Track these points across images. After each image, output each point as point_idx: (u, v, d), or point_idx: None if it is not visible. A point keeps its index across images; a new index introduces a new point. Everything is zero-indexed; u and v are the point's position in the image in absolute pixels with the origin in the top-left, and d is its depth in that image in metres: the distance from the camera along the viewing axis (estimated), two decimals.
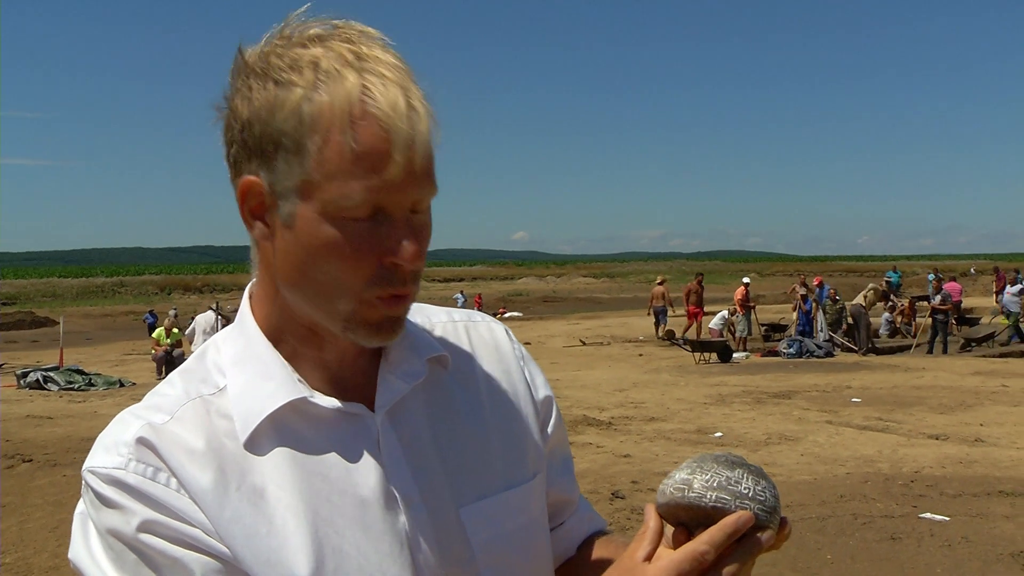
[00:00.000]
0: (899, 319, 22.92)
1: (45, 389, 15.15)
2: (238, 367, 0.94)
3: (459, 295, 38.90)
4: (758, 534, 0.86)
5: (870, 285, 21.95)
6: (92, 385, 15.55)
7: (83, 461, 0.91)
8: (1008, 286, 20.31)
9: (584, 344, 22.36)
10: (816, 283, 21.37)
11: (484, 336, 1.10)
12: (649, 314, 24.85)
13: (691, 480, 0.87)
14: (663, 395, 12.58)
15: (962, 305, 22.95)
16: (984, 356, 17.70)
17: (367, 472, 0.92)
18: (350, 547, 0.90)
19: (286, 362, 0.94)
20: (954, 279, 24.99)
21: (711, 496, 0.86)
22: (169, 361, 17.87)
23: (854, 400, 11.57)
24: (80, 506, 0.91)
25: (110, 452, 0.88)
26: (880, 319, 22.74)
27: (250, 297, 0.99)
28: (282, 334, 0.96)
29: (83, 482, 0.89)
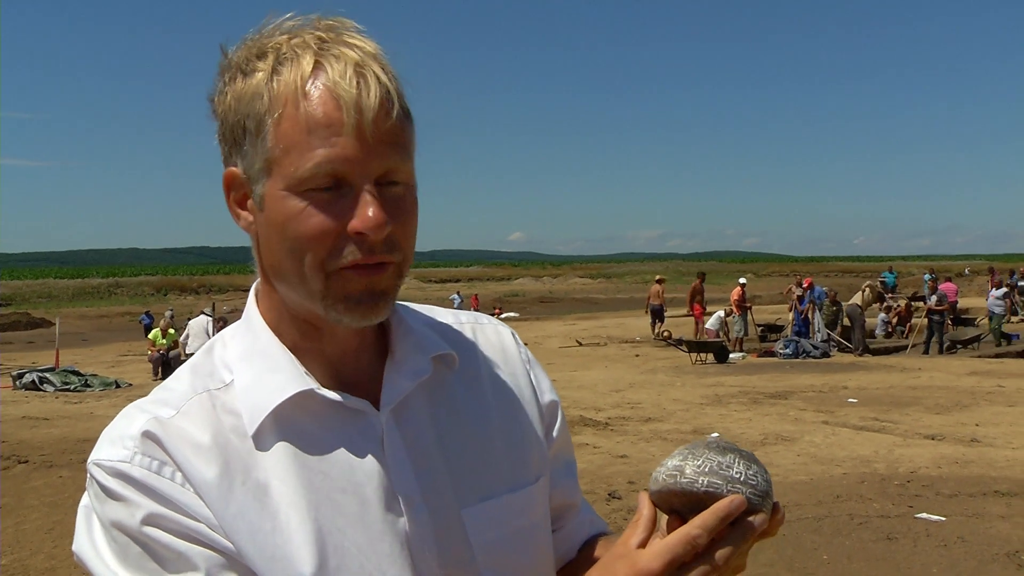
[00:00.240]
0: (895, 319, 22.95)
1: (41, 390, 15.12)
2: (246, 362, 0.95)
3: (456, 295, 38.92)
4: (750, 518, 0.86)
5: (866, 284, 21.97)
6: (88, 386, 15.52)
7: (79, 462, 0.91)
8: (993, 289, 20.33)
9: (581, 345, 22.36)
10: (806, 284, 21.30)
11: (490, 338, 1.10)
12: (647, 312, 24.85)
13: (683, 466, 0.88)
14: (660, 395, 12.59)
15: (958, 306, 22.97)
16: (980, 356, 17.73)
17: (370, 471, 0.92)
18: (351, 545, 0.90)
19: (293, 356, 0.94)
20: (950, 280, 25.01)
21: (703, 481, 0.86)
22: (165, 362, 17.85)
23: (850, 400, 11.58)
24: (84, 499, 0.91)
25: (115, 445, 0.89)
26: (876, 319, 22.77)
27: (256, 294, 1.00)
28: (283, 328, 0.96)
29: (88, 475, 0.89)
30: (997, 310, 19.83)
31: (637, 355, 19.60)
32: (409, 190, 0.91)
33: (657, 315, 24.09)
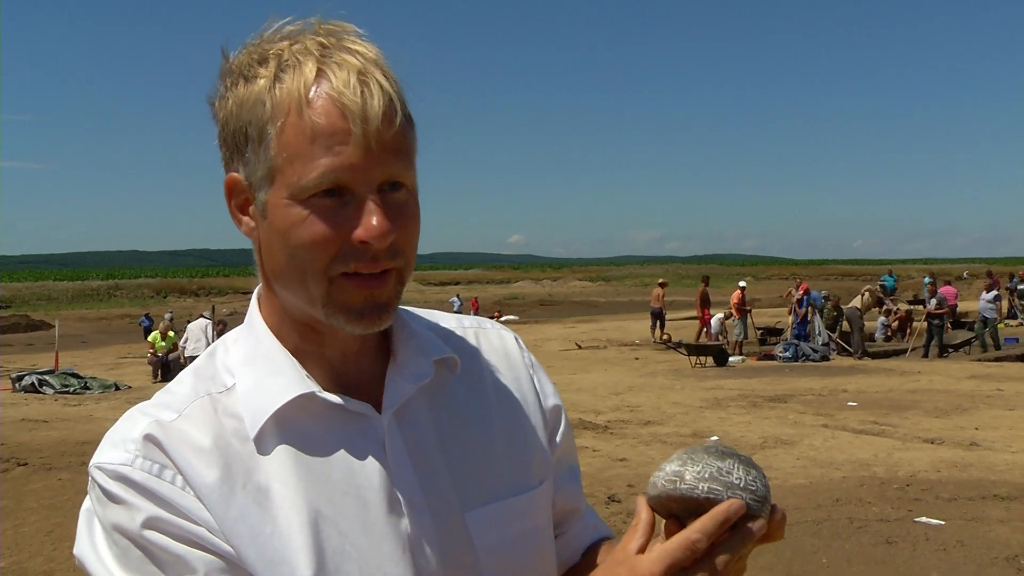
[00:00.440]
0: (895, 324, 22.96)
1: (40, 392, 15.12)
2: (248, 366, 0.95)
3: (455, 298, 38.96)
4: (749, 524, 0.86)
5: (865, 289, 21.98)
6: (87, 388, 15.53)
7: (79, 465, 0.91)
8: (984, 292, 20.32)
9: (580, 348, 22.38)
10: (802, 290, 21.26)
11: (494, 343, 1.10)
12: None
13: (682, 472, 0.87)
14: (659, 399, 12.59)
15: (957, 309, 23.00)
16: (979, 360, 17.74)
17: (371, 473, 0.92)
18: (352, 549, 0.90)
19: (296, 360, 0.94)
20: (949, 283, 25.03)
21: (703, 487, 0.86)
22: (165, 365, 17.86)
23: (850, 404, 11.59)
24: (86, 503, 0.91)
25: (117, 448, 0.89)
26: (876, 323, 22.79)
27: (258, 298, 1.00)
28: (284, 332, 0.96)
29: (89, 478, 0.90)
30: (989, 314, 19.78)
31: (636, 358, 19.61)
32: (411, 195, 0.91)
33: (657, 318, 24.11)
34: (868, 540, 5.68)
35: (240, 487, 0.88)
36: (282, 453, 0.90)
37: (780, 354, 18.27)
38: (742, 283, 22.83)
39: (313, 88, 0.85)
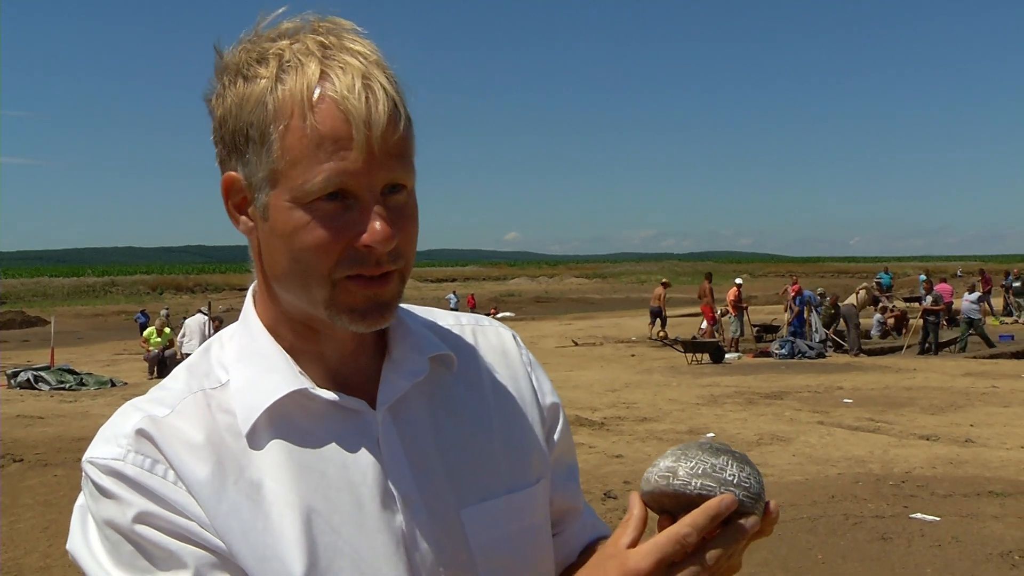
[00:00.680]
0: (891, 322, 22.98)
1: (36, 389, 15.10)
2: (242, 362, 0.95)
3: (452, 295, 38.94)
4: (742, 520, 0.86)
5: (861, 286, 22.00)
6: (83, 385, 15.51)
7: (74, 461, 0.91)
8: (967, 293, 20.28)
9: (576, 345, 22.38)
10: (794, 291, 21.24)
11: (491, 340, 1.09)
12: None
13: (676, 468, 0.87)
14: (655, 395, 12.60)
15: (953, 306, 23.02)
16: (974, 357, 17.76)
17: (365, 469, 0.92)
18: (345, 545, 0.89)
19: (290, 357, 0.94)
20: (944, 280, 25.05)
21: (696, 483, 0.86)
22: (161, 361, 17.83)
23: (845, 401, 11.61)
24: (80, 499, 0.91)
25: (109, 443, 0.89)
26: (871, 320, 22.81)
27: (253, 296, 1.00)
28: (280, 330, 0.96)
29: (83, 473, 0.90)
30: (973, 315, 19.73)
31: (633, 355, 19.62)
32: (411, 197, 0.91)
33: (656, 316, 24.19)
34: (864, 536, 5.70)
35: (232, 482, 0.88)
36: (275, 449, 0.90)
37: (776, 351, 18.28)
38: (738, 280, 22.80)
39: (316, 91, 0.85)
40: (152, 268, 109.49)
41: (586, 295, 60.74)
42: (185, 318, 18.43)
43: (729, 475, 0.86)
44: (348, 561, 0.89)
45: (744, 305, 21.54)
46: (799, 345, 18.30)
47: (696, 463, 0.87)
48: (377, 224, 0.86)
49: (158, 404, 0.92)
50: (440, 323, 1.08)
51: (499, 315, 36.35)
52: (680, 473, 0.86)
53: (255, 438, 0.90)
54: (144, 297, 58.00)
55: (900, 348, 20.04)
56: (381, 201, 0.87)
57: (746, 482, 0.86)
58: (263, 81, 0.86)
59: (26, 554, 5.60)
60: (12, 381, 15.60)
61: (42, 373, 15.70)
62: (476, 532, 0.96)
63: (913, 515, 6.10)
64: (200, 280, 69.83)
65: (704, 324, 22.49)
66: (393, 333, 0.99)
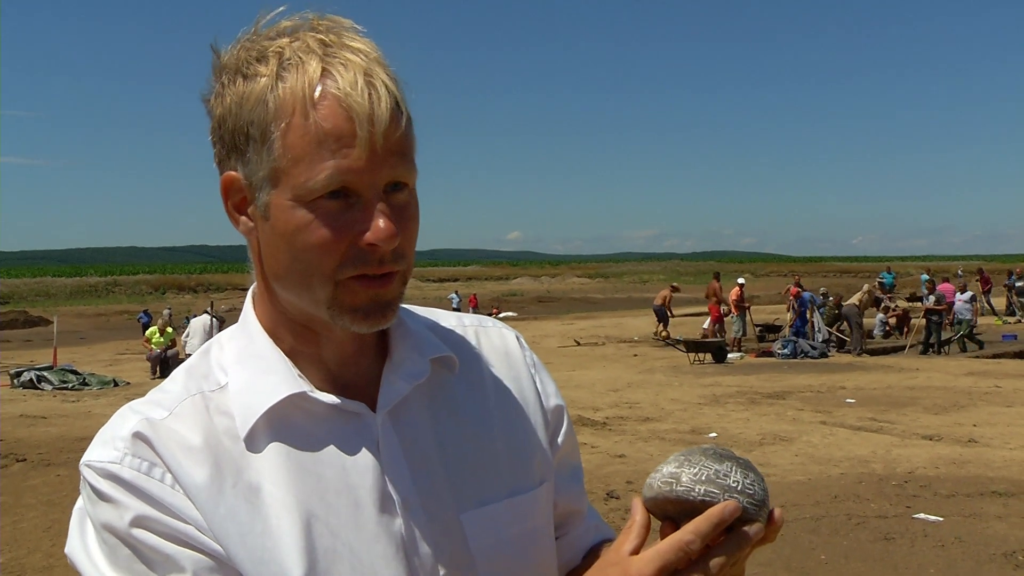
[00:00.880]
0: (893, 321, 22.96)
1: (39, 389, 15.12)
2: (240, 364, 0.94)
3: (454, 295, 38.94)
4: (746, 528, 0.84)
5: (864, 287, 21.97)
6: (86, 385, 15.52)
7: (77, 460, 0.91)
8: (959, 293, 20.21)
9: (579, 344, 22.37)
10: (792, 294, 21.19)
11: (494, 341, 1.08)
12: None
13: (679, 473, 0.86)
14: (658, 395, 12.59)
15: (955, 306, 22.98)
16: (977, 357, 17.74)
17: (364, 472, 0.91)
18: (344, 548, 0.89)
19: (288, 359, 0.94)
20: (947, 280, 25.01)
21: (700, 490, 0.84)
22: (164, 361, 17.84)
23: (848, 401, 11.59)
24: (79, 502, 0.91)
25: (107, 446, 0.88)
26: (874, 320, 22.79)
27: (252, 297, 0.99)
28: (280, 332, 0.95)
29: (81, 476, 0.89)
30: (966, 315, 19.65)
31: (635, 355, 19.61)
32: (412, 196, 0.91)
33: (659, 316, 24.25)
34: (866, 536, 5.69)
35: (230, 486, 0.87)
36: (274, 452, 0.90)
37: (779, 351, 18.26)
38: (741, 280, 22.77)
39: (318, 88, 0.84)
40: (154, 268, 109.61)
41: (588, 295, 60.71)
42: (188, 317, 18.44)
43: (733, 481, 0.85)
44: (347, 565, 0.88)
45: (747, 305, 21.52)
46: (802, 345, 18.28)
47: (700, 469, 0.85)
48: (381, 222, 0.86)
49: (156, 407, 0.91)
50: (442, 324, 1.07)
51: (501, 315, 36.36)
52: (683, 479, 0.85)
53: (253, 441, 0.90)
54: (146, 297, 58.09)
55: (903, 348, 20.01)
56: (384, 199, 0.87)
57: (750, 489, 0.85)
58: (263, 79, 0.85)
59: (29, 553, 5.61)
60: (15, 381, 15.61)
61: (45, 373, 15.71)
62: (476, 535, 0.95)
63: (916, 515, 6.10)
64: (202, 280, 69.90)
65: (705, 324, 22.46)
66: (394, 334, 0.99)
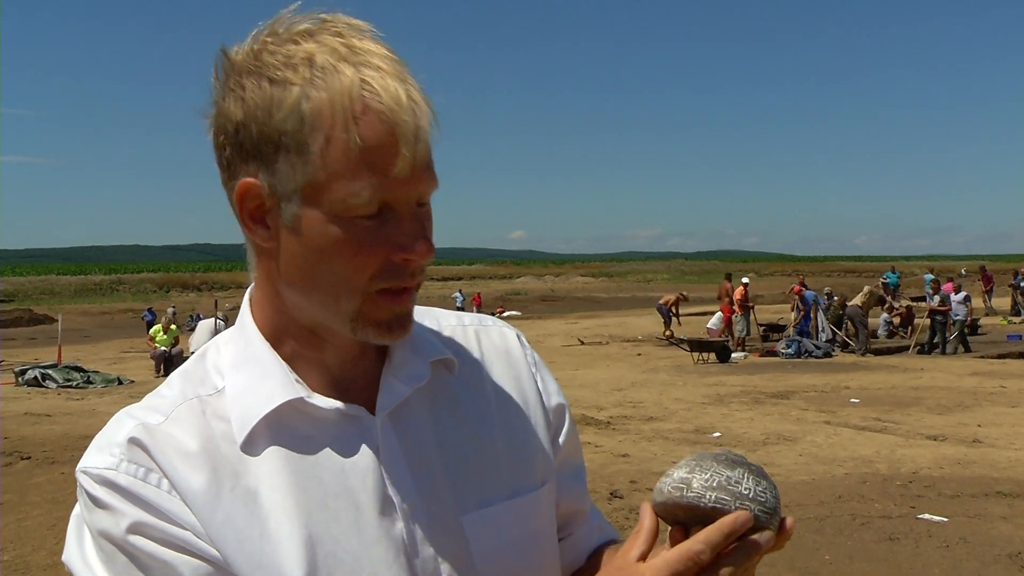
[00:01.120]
0: (897, 320, 22.92)
1: (43, 387, 15.15)
2: (237, 369, 0.93)
3: (457, 294, 38.96)
4: (756, 535, 0.83)
5: (867, 288, 21.93)
6: (90, 383, 15.55)
7: (85, 452, 0.90)
8: (952, 293, 20.14)
9: (582, 343, 22.37)
10: (796, 291, 21.15)
11: (495, 341, 1.07)
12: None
13: (690, 479, 0.85)
14: (661, 395, 12.59)
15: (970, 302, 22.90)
16: (982, 357, 17.69)
17: (364, 475, 0.90)
18: (344, 552, 0.88)
19: (285, 364, 0.93)
20: (951, 280, 24.96)
21: (710, 496, 0.83)
22: (168, 359, 17.87)
23: (852, 400, 11.58)
24: (76, 508, 0.90)
25: (103, 452, 0.88)
26: (878, 320, 22.75)
27: (250, 299, 0.98)
28: (282, 336, 0.94)
29: (77, 483, 0.88)
30: (960, 315, 19.56)
31: (639, 354, 19.60)
32: (429, 208, 0.91)
33: (661, 313, 24.32)
34: (871, 537, 5.68)
35: (228, 490, 0.87)
36: (272, 456, 0.89)
37: (783, 350, 18.24)
38: (745, 279, 22.74)
39: (359, 100, 0.82)
40: (158, 266, 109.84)
41: (592, 294, 60.70)
42: (192, 316, 18.45)
43: (744, 489, 0.84)
44: (347, 569, 0.88)
45: (751, 304, 21.51)
46: (806, 344, 18.26)
47: (711, 475, 0.84)
48: (419, 239, 0.86)
49: (152, 411, 0.90)
50: (442, 323, 1.06)
51: (505, 314, 36.39)
52: (694, 485, 0.84)
53: (251, 446, 0.89)
54: (151, 295, 58.21)
55: (907, 348, 19.98)
56: (418, 215, 0.87)
57: (761, 496, 0.84)
58: (296, 88, 0.82)
59: (33, 551, 5.62)
60: (20, 379, 15.65)
61: (49, 371, 15.75)
62: (478, 537, 0.94)
63: (920, 515, 6.08)
64: (206, 278, 70.03)
65: (711, 323, 22.43)
66: None
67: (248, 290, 0.98)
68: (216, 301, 23.51)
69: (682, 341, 19.50)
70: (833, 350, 18.84)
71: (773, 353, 18.65)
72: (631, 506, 6.41)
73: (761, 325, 22.42)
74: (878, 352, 19.36)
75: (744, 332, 20.73)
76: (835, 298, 21.02)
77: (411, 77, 0.85)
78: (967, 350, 19.14)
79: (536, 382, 1.07)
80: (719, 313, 22.30)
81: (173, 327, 19.23)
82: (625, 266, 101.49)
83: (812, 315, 20.16)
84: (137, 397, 0.95)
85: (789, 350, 18.06)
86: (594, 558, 1.11)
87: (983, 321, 24.36)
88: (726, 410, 11.11)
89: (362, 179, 0.83)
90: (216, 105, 0.88)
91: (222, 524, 0.85)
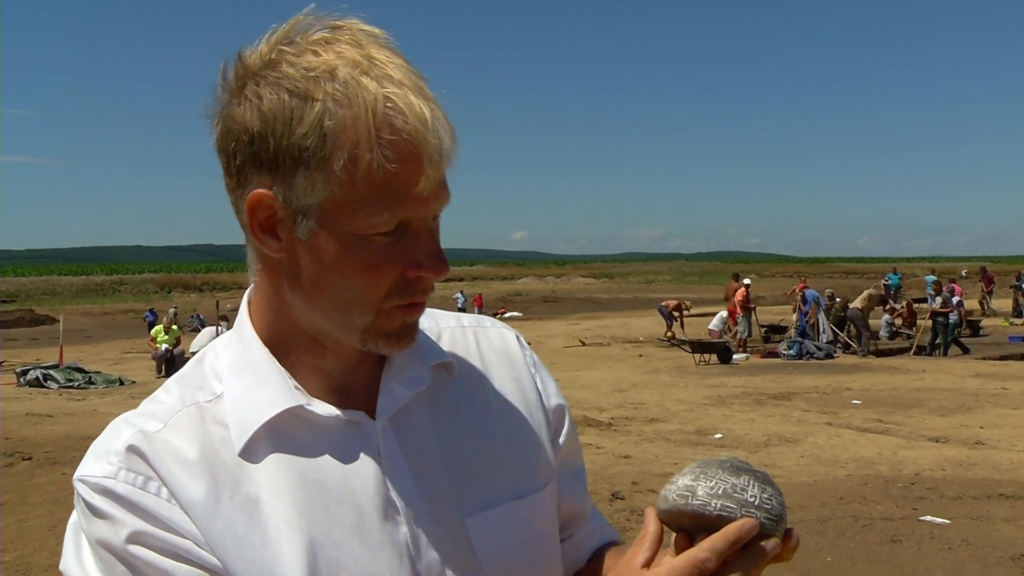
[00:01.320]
0: (899, 321, 22.90)
1: (45, 387, 15.15)
2: (235, 374, 0.92)
3: (459, 295, 38.92)
4: (762, 543, 0.83)
5: (867, 290, 21.90)
6: (92, 383, 15.55)
7: (82, 459, 0.89)
8: (946, 295, 20.11)
9: (584, 344, 22.35)
10: (800, 288, 21.18)
11: (494, 342, 1.07)
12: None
13: (695, 487, 0.84)
14: (663, 396, 12.58)
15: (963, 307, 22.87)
16: (984, 358, 17.67)
17: (366, 480, 0.90)
18: (347, 558, 0.87)
19: (284, 369, 0.92)
20: (954, 281, 24.94)
21: (716, 504, 0.83)
22: (169, 360, 17.87)
23: (854, 402, 11.57)
24: (73, 516, 0.89)
25: (100, 460, 0.87)
26: (880, 321, 22.73)
27: (249, 303, 0.97)
28: (283, 342, 0.93)
29: (75, 492, 0.87)
30: (951, 318, 19.52)
31: (640, 355, 19.59)
32: (439, 218, 0.90)
33: (663, 315, 24.35)
34: (872, 538, 5.67)
35: (228, 498, 0.86)
36: (273, 463, 0.88)
37: (784, 352, 18.23)
38: (747, 280, 22.73)
39: (383, 119, 0.81)
40: (160, 267, 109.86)
41: (593, 295, 60.66)
42: (193, 316, 18.46)
43: (750, 496, 0.83)
44: (350, 574, 0.87)
45: (752, 305, 21.50)
46: (807, 346, 18.25)
47: (716, 483, 0.84)
48: (436, 258, 0.87)
49: (150, 418, 0.89)
50: (441, 324, 1.05)
51: (506, 315, 36.39)
52: (700, 493, 0.84)
53: (251, 453, 0.88)
54: (152, 296, 58.19)
55: (909, 349, 19.95)
56: (433, 232, 0.87)
57: (767, 504, 0.83)
58: (318, 104, 0.81)
59: (34, 552, 5.62)
60: (21, 379, 15.65)
61: (51, 371, 15.75)
62: (482, 540, 0.94)
63: (922, 517, 6.07)
64: (208, 279, 70.01)
65: (712, 324, 22.43)
66: None
67: (247, 293, 0.97)
68: (217, 302, 23.56)
69: (683, 342, 19.50)
70: (835, 351, 18.83)
71: (774, 354, 18.63)
72: (632, 507, 6.41)
73: (763, 326, 22.41)
74: (880, 353, 19.35)
75: (745, 333, 20.73)
76: (837, 300, 21.00)
77: (430, 92, 0.84)
78: (964, 351, 19.09)
79: (536, 383, 1.07)
80: (720, 314, 22.28)
81: (174, 327, 19.24)
82: (627, 267, 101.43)
83: (811, 313, 20.12)
84: (139, 397, 0.95)
85: (791, 351, 18.05)
86: (595, 559, 1.10)
87: (985, 323, 24.34)
88: (727, 411, 11.10)
89: (383, 199, 0.82)
90: (226, 110, 0.86)
91: (222, 532, 0.85)
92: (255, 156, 0.84)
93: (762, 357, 18.71)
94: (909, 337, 21.39)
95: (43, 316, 40.83)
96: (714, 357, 17.61)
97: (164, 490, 0.85)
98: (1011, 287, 29.41)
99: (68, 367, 16.37)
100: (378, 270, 0.85)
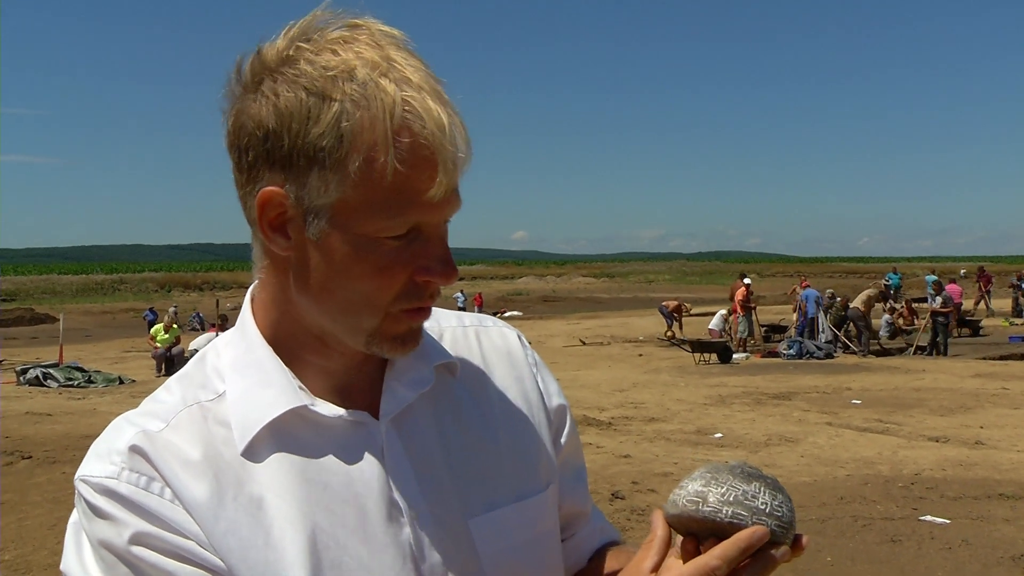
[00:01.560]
0: (900, 321, 22.89)
1: (44, 386, 15.15)
2: (238, 372, 0.91)
3: (459, 294, 38.91)
4: (772, 551, 0.83)
5: (867, 290, 21.90)
6: (91, 382, 15.55)
7: (82, 458, 0.88)
8: (947, 295, 20.08)
9: (584, 344, 22.35)
10: (803, 286, 21.22)
11: (496, 342, 1.07)
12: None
13: (706, 493, 0.84)
14: (663, 395, 12.58)
15: (962, 307, 22.90)
16: (984, 358, 17.67)
17: (370, 481, 0.89)
18: (350, 559, 0.87)
19: (287, 369, 0.91)
20: (954, 281, 24.94)
21: (727, 511, 0.82)
22: (169, 359, 17.88)
23: (854, 402, 11.56)
24: (74, 515, 0.88)
25: (102, 460, 0.86)
26: (880, 321, 22.72)
27: (252, 300, 0.96)
28: (287, 341, 0.93)
29: (76, 492, 0.87)
30: (941, 319, 19.48)
31: (640, 355, 19.59)
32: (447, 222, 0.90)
33: (664, 315, 24.39)
34: (873, 538, 5.67)
35: (231, 498, 0.85)
36: (276, 463, 0.87)
37: (784, 351, 18.23)
38: (747, 280, 22.72)
39: (401, 123, 0.80)
40: (160, 266, 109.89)
41: (594, 294, 60.64)
42: (193, 315, 18.46)
43: (761, 503, 0.83)
44: (354, 575, 0.87)
45: (752, 305, 21.50)
46: (807, 345, 18.25)
47: (727, 489, 0.83)
48: (446, 263, 0.86)
49: (152, 418, 0.89)
50: (442, 324, 1.05)
51: (507, 314, 36.38)
52: (710, 499, 0.83)
53: (254, 453, 0.88)
54: (152, 295, 58.17)
55: (908, 348, 19.94)
56: (444, 236, 0.87)
57: (778, 511, 0.83)
58: (335, 104, 0.80)
59: (34, 551, 5.62)
60: (21, 378, 15.66)
61: (51, 370, 15.76)
62: (485, 542, 0.93)
63: (923, 517, 6.07)
64: (208, 278, 70.03)
65: (713, 324, 22.41)
66: None
67: (250, 290, 0.96)
68: (217, 301, 23.56)
69: (683, 342, 19.49)
70: (835, 351, 18.83)
71: (775, 354, 18.63)
72: (633, 507, 6.40)
73: (763, 326, 22.42)
74: (880, 353, 19.34)
75: (746, 333, 20.73)
76: (837, 299, 21.00)
77: (447, 96, 0.84)
78: (943, 352, 18.95)
79: (538, 383, 1.06)
80: (720, 312, 22.28)
81: (175, 327, 19.25)
82: (627, 267, 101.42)
83: (812, 312, 20.12)
84: (138, 397, 0.94)
85: (791, 351, 18.05)
86: (596, 559, 1.10)
87: (985, 323, 24.34)
88: (728, 411, 11.10)
89: (396, 203, 0.82)
90: (241, 105, 0.85)
91: (225, 533, 0.84)
92: (268, 153, 0.83)
93: (762, 357, 18.72)
94: (909, 335, 21.38)
95: (43, 315, 40.82)
96: (714, 357, 17.61)
97: (167, 491, 0.84)
98: (1011, 287, 29.39)
99: (68, 366, 16.38)
100: (388, 273, 0.84)
